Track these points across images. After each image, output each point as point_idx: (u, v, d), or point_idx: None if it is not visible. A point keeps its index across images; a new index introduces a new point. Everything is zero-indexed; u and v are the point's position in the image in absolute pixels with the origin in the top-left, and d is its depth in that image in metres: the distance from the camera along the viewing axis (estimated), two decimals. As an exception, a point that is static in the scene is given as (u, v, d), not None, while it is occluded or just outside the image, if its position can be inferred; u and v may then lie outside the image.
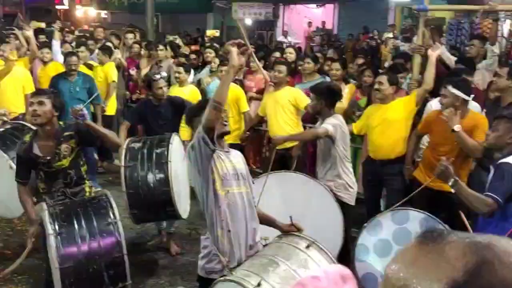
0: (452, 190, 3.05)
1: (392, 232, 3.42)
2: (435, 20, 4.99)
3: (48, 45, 7.48)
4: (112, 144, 3.91)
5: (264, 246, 2.91)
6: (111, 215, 3.44)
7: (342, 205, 4.09)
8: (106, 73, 7.13)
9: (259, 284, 2.40)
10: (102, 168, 7.06)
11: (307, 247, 2.75)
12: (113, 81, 7.12)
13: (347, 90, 5.73)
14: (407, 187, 4.26)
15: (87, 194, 3.75)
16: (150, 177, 4.18)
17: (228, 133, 2.98)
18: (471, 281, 0.68)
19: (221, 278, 2.60)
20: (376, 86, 4.58)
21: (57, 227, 3.22)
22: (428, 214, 3.40)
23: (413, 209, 3.51)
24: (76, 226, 3.32)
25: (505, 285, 0.67)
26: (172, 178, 4.16)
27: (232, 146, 5.94)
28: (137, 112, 5.26)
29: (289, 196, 4.04)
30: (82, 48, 7.42)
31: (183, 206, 4.39)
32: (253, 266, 2.62)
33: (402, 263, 0.76)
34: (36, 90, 3.64)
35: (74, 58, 6.28)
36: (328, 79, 6.07)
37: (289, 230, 2.93)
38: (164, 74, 5.30)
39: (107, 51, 7.43)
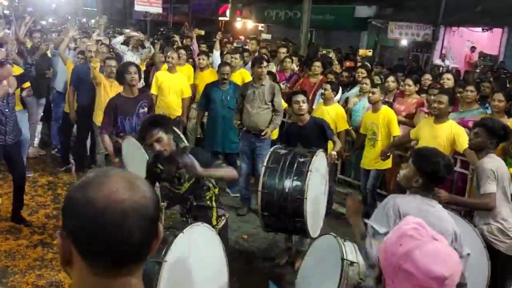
0: None
1: None
2: None
3: (205, 52, 8.08)
4: (229, 180, 4.00)
5: None
6: None
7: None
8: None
9: None
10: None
11: None
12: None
13: (509, 125, 5.22)
14: None
15: (213, 220, 3.58)
16: (287, 182, 4.25)
17: None
18: (79, 187, 1.01)
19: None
20: None
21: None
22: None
23: None
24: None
25: (88, 191, 0.99)
26: (309, 188, 4.18)
27: (379, 171, 5.90)
28: (285, 133, 5.43)
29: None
30: (237, 56, 7.67)
31: (314, 223, 4.38)
32: None
33: None
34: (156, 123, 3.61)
35: (227, 68, 6.61)
36: (489, 110, 5.61)
37: None
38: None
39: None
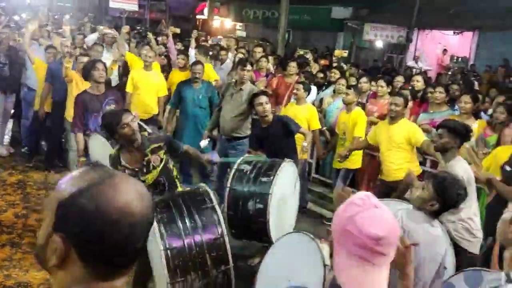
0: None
1: None
2: None
3: (184, 52, 8.05)
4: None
5: None
6: (208, 200, 3.60)
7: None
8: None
9: None
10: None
11: None
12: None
13: (476, 127, 5.37)
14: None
15: None
16: (250, 204, 4.31)
17: None
18: (84, 191, 1.00)
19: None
20: None
21: (157, 214, 3.43)
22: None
23: (485, 269, 3.17)
24: (174, 211, 3.51)
25: (100, 200, 0.99)
26: (270, 209, 4.22)
27: (348, 171, 5.97)
28: (253, 137, 5.41)
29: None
30: (201, 55, 7.61)
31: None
32: None
33: (69, 176, 1.06)
34: (126, 110, 3.92)
35: (199, 67, 6.52)
36: (457, 112, 5.74)
37: None
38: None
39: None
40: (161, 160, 3.83)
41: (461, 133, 3.93)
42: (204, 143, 5.81)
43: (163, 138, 3.93)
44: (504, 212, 2.00)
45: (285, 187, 4.51)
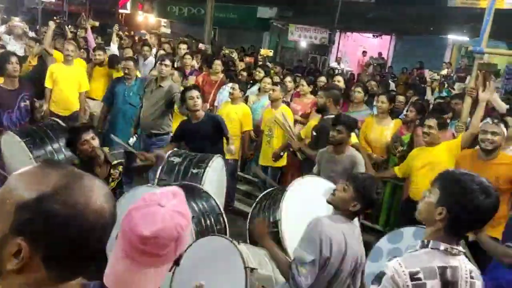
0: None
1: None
2: (486, 65, 4.83)
3: (101, 47, 7.77)
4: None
5: None
6: None
7: None
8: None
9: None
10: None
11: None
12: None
13: (392, 126, 5.64)
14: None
15: None
16: None
17: None
18: (54, 195, 0.95)
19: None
20: (426, 129, 4.50)
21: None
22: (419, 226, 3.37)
23: (408, 226, 3.57)
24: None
25: (73, 205, 0.96)
26: None
27: (274, 169, 6.04)
28: (179, 131, 5.26)
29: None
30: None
31: None
32: None
33: (22, 175, 1.00)
34: (88, 126, 3.78)
35: (129, 63, 6.40)
36: (374, 111, 6.00)
37: None
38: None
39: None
40: (120, 173, 3.85)
41: (353, 127, 4.43)
42: (132, 140, 5.67)
43: (123, 155, 3.91)
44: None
45: (215, 180, 4.46)
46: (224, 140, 5.28)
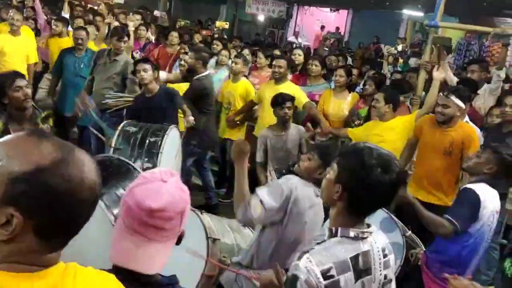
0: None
1: None
2: (441, 39, 4.94)
3: (62, 18, 7.41)
4: None
5: None
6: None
7: None
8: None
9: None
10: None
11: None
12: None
13: (350, 100, 5.70)
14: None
15: None
16: (138, 164, 4.12)
17: None
18: (52, 168, 0.94)
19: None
20: (373, 103, 4.64)
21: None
22: (391, 215, 3.40)
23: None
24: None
25: (71, 179, 0.96)
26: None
27: (233, 141, 5.98)
28: (132, 106, 5.10)
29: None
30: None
31: None
32: None
33: (5, 145, 0.98)
34: (17, 72, 3.56)
35: (82, 33, 6.13)
36: (332, 85, 6.03)
37: None
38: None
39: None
40: (51, 128, 3.68)
41: (294, 100, 4.69)
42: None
43: (51, 105, 3.68)
44: None
45: (171, 152, 4.40)
46: (181, 114, 5.20)
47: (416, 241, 3.46)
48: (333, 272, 1.64)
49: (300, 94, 5.27)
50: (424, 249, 3.33)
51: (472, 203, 2.92)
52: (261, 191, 2.53)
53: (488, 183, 2.99)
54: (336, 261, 1.65)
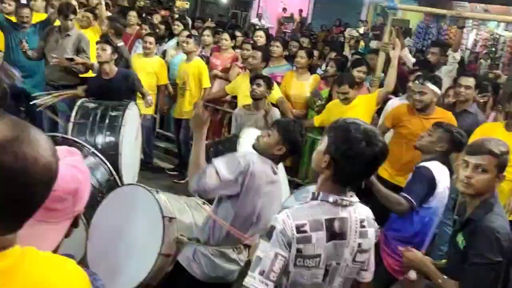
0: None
1: None
2: (399, 21, 5.03)
3: None
4: None
5: None
6: None
7: None
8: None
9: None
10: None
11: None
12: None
13: (311, 81, 5.73)
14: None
15: None
16: (100, 138, 4.07)
17: None
18: (5, 146, 0.89)
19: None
20: (342, 95, 4.69)
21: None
22: None
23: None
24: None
25: (25, 157, 0.91)
26: (123, 143, 4.07)
27: (188, 122, 5.94)
28: (91, 87, 4.95)
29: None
30: None
31: (130, 178, 4.30)
32: None
33: None
34: None
35: (25, 10, 5.84)
36: (294, 67, 6.04)
37: None
38: None
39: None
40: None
41: (271, 83, 4.76)
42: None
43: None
44: None
45: (132, 128, 4.36)
46: (140, 96, 5.12)
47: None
48: (306, 228, 1.78)
49: (275, 90, 5.18)
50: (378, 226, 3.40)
51: (427, 180, 3.01)
52: (218, 162, 2.49)
53: (440, 161, 3.09)
54: (311, 219, 1.80)
